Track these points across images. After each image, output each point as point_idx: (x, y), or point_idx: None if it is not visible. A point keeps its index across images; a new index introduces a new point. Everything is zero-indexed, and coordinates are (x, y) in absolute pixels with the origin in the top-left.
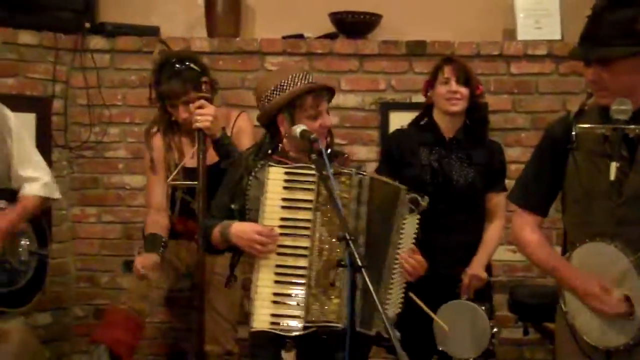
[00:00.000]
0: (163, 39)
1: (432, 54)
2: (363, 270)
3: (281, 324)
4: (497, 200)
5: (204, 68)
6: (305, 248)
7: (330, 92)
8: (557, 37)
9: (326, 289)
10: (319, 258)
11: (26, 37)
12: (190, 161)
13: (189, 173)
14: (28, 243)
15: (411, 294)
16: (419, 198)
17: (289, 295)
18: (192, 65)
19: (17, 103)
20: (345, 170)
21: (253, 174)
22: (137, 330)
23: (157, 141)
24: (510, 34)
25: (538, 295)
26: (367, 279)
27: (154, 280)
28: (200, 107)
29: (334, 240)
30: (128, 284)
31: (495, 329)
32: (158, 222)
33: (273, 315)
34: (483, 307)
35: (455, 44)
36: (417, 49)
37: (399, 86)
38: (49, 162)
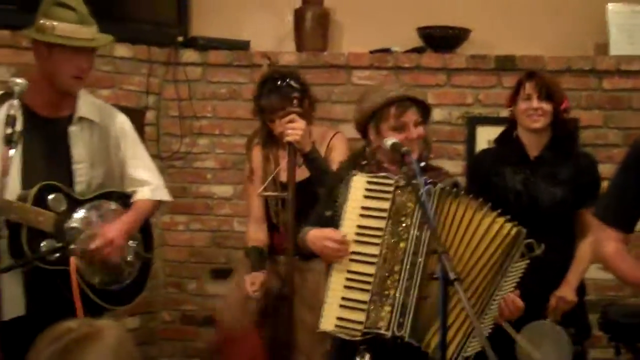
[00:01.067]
0: (268, 54)
1: (522, 68)
2: (456, 283)
3: (344, 328)
4: (589, 218)
5: (304, 86)
6: (374, 256)
7: (419, 103)
8: None
9: (381, 296)
10: (383, 266)
11: (122, 50)
12: (284, 174)
13: (284, 187)
14: (135, 245)
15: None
16: (535, 245)
17: (355, 300)
18: (292, 82)
19: None
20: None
21: (344, 182)
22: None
23: (257, 153)
24: (602, 49)
25: (630, 315)
26: (461, 292)
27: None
28: (290, 122)
29: (397, 248)
30: (225, 294)
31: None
32: (259, 236)
33: (339, 318)
34: (569, 331)
35: (545, 59)
36: (506, 64)
37: (486, 100)
38: None
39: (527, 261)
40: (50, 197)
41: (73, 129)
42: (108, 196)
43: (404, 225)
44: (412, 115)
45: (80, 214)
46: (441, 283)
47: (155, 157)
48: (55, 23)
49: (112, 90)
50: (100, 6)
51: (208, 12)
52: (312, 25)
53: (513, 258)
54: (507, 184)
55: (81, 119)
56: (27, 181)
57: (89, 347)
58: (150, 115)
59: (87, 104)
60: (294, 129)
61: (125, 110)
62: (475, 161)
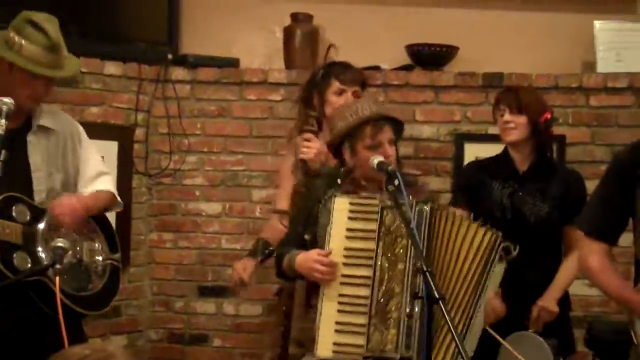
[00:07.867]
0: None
1: (510, 85)
2: (441, 302)
3: (343, 353)
4: (576, 234)
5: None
6: (367, 278)
7: (394, 122)
8: (639, 69)
9: (384, 318)
10: (379, 287)
11: (111, 68)
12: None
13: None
14: (101, 248)
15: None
16: (511, 247)
17: (352, 324)
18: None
19: (102, 131)
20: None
21: (322, 202)
22: None
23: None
24: (589, 66)
25: (615, 332)
26: (444, 311)
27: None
28: (307, 140)
29: (395, 269)
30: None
31: None
32: (276, 227)
33: (336, 343)
34: (551, 342)
35: (533, 76)
36: (494, 81)
37: (474, 117)
38: (130, 188)
39: (505, 265)
40: (14, 208)
41: (31, 138)
42: None
43: (400, 245)
44: (387, 134)
45: (43, 223)
46: (426, 302)
47: (143, 174)
48: (23, 42)
49: (101, 107)
50: (91, 24)
51: (198, 30)
52: (302, 43)
53: (493, 263)
54: (493, 197)
55: (39, 127)
56: None
57: None
58: (139, 133)
59: (44, 112)
60: (309, 147)
61: (114, 128)
62: (466, 172)
